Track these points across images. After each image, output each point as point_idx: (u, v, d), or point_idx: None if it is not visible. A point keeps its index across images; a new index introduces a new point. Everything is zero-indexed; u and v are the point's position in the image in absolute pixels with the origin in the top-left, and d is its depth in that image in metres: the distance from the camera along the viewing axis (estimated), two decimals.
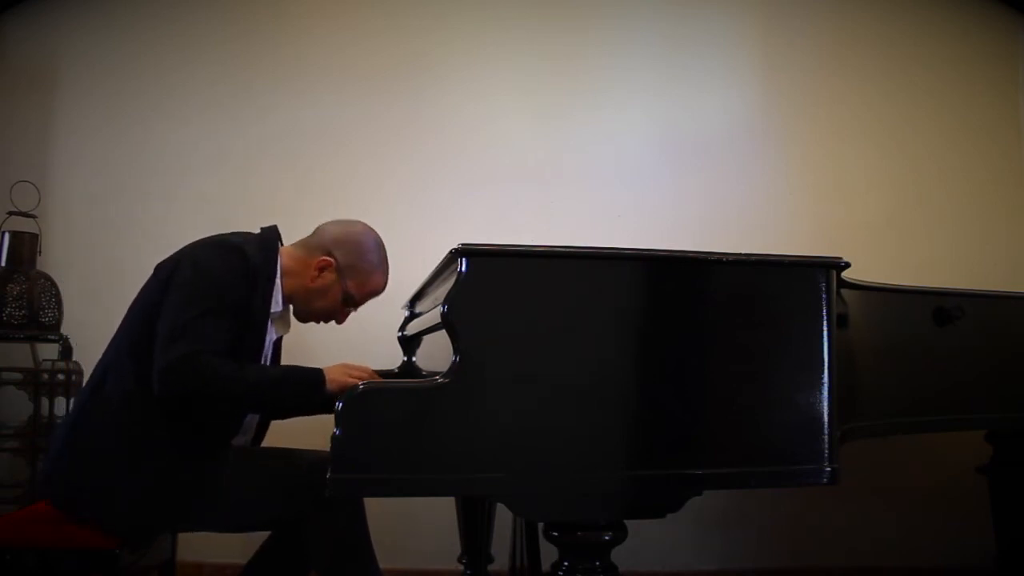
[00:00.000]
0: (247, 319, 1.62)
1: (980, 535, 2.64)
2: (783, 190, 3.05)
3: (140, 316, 1.63)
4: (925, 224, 3.07)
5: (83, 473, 1.58)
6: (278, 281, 1.71)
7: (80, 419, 1.62)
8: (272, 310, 1.71)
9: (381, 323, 2.67)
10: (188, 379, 1.49)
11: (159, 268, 1.68)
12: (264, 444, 1.90)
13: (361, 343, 2.75)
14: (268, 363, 1.80)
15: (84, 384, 1.73)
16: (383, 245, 1.84)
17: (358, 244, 1.79)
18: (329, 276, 1.76)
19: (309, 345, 2.71)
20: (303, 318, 1.84)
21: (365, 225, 1.84)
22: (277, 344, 1.87)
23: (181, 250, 1.69)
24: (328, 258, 1.75)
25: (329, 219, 1.89)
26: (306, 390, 1.56)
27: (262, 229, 1.79)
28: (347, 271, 1.76)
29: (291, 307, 1.83)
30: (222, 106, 2.95)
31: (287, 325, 1.84)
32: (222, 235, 1.72)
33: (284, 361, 1.96)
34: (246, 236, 1.73)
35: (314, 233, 1.82)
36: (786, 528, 2.90)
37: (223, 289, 1.58)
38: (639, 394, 1.32)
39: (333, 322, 1.86)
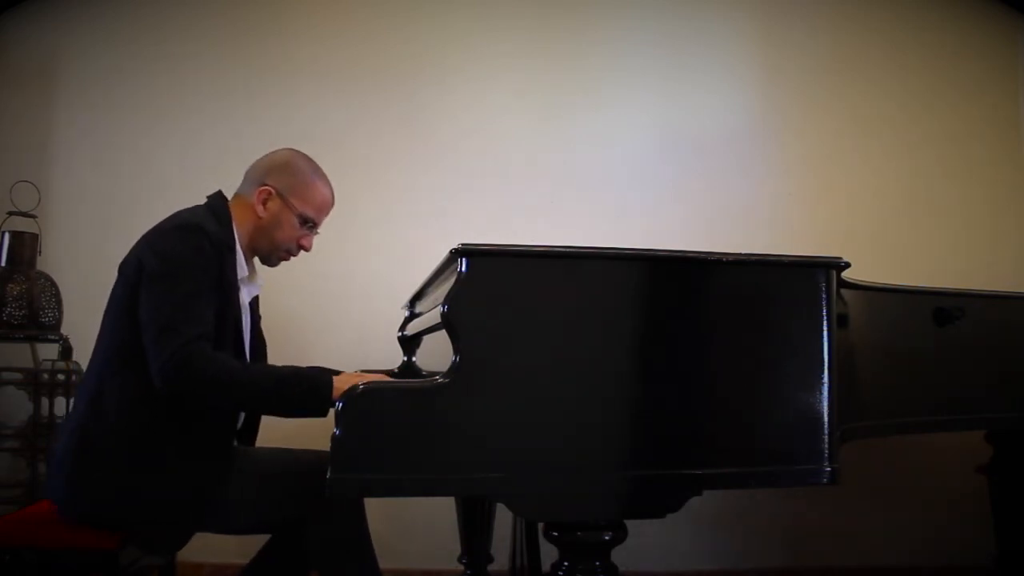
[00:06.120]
0: (221, 292, 1.62)
1: (980, 535, 2.64)
2: (784, 190, 3.05)
3: (122, 319, 1.61)
4: (926, 224, 3.07)
5: (92, 486, 1.57)
6: (238, 247, 1.72)
7: (82, 432, 1.59)
8: (240, 276, 1.71)
9: (381, 323, 2.67)
10: (189, 370, 1.48)
11: (123, 266, 1.66)
12: (264, 444, 1.90)
13: (361, 343, 2.76)
14: (248, 326, 1.81)
15: (77, 394, 1.71)
16: (312, 160, 1.85)
17: (286, 163, 1.80)
18: (274, 204, 1.77)
19: (310, 346, 2.72)
20: (272, 260, 1.84)
21: (288, 149, 1.85)
22: (254, 307, 1.87)
23: (139, 242, 1.66)
24: (265, 187, 1.76)
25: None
26: (311, 393, 1.53)
27: (208, 197, 1.78)
28: (288, 191, 1.77)
29: (255, 263, 1.83)
30: (221, 105, 2.95)
31: (256, 286, 1.85)
32: (176, 215, 1.69)
33: (278, 356, 1.97)
34: (196, 211, 1.72)
35: (244, 177, 1.83)
36: (786, 528, 2.90)
37: (195, 270, 1.57)
38: (639, 394, 1.32)
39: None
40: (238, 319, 1.70)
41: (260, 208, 1.76)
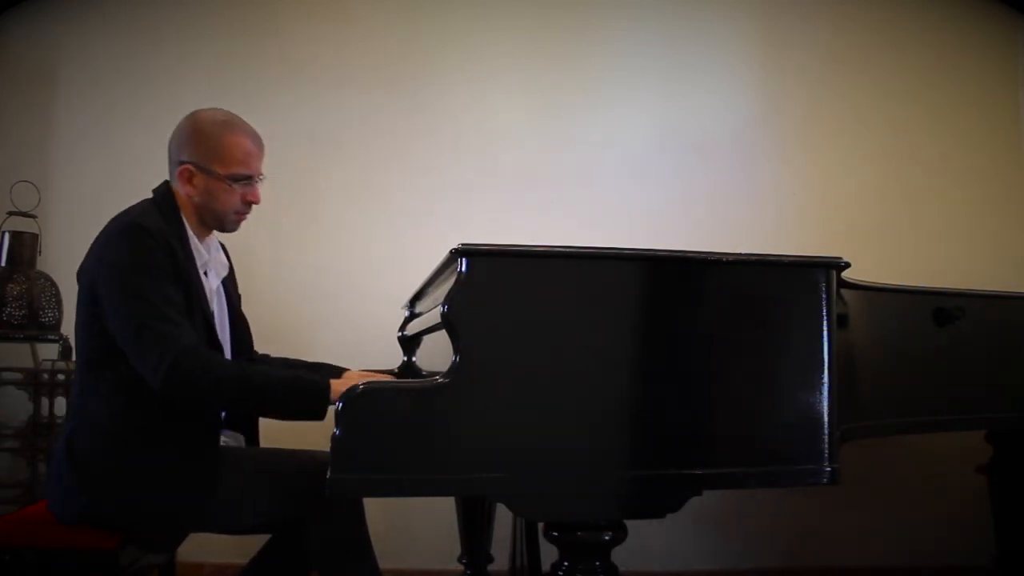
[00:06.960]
0: (180, 284, 1.59)
1: (980, 535, 2.64)
2: (784, 190, 3.05)
3: (89, 327, 1.61)
4: (926, 224, 3.07)
5: (83, 490, 1.57)
6: (189, 232, 1.67)
7: (71, 437, 1.60)
8: (199, 262, 1.68)
9: (380, 323, 2.67)
10: (184, 370, 1.47)
11: (80, 275, 1.65)
12: (264, 444, 1.90)
13: (360, 343, 2.76)
14: (225, 310, 1.79)
15: (68, 403, 1.72)
16: (218, 111, 1.74)
17: (191, 132, 1.69)
18: (199, 179, 1.67)
19: (306, 344, 2.71)
20: (228, 227, 1.76)
21: (190, 114, 1.73)
22: (230, 288, 1.84)
23: (90, 250, 1.65)
24: (183, 166, 1.68)
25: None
26: (307, 396, 1.52)
27: (154, 191, 1.73)
28: (205, 160, 1.67)
29: (215, 243, 1.79)
30: (219, 105, 2.92)
31: (223, 265, 1.81)
32: (118, 217, 1.65)
33: (275, 354, 1.98)
34: (138, 207, 1.67)
35: (168, 161, 1.75)
36: (786, 528, 2.90)
37: (150, 269, 1.54)
38: (639, 394, 1.32)
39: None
40: (205, 308, 1.67)
41: (189, 189, 1.68)
